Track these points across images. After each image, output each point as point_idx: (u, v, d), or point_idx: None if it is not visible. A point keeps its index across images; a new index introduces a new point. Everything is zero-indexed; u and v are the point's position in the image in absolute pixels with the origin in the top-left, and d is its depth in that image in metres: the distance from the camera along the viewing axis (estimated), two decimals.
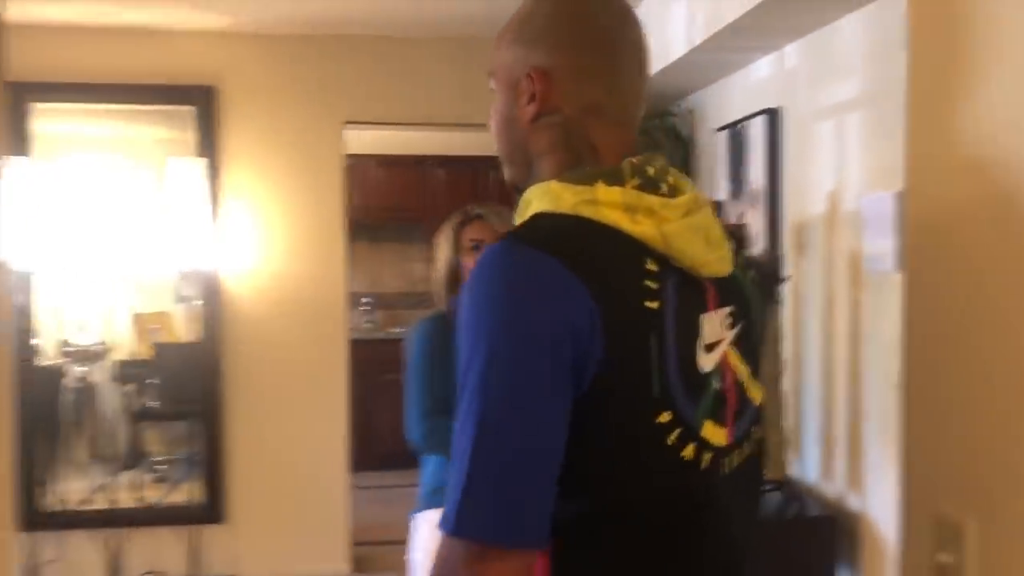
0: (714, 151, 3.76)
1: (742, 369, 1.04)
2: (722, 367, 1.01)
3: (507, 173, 1.15)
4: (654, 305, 0.94)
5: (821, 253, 2.87)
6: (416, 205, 6.74)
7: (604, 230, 0.96)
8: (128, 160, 4.13)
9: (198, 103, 4.19)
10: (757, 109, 3.28)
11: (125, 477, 4.24)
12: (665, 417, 0.94)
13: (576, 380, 0.90)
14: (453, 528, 0.88)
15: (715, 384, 0.99)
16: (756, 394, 1.06)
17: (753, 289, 1.11)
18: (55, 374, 4.36)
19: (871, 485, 2.59)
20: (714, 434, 0.98)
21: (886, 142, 2.52)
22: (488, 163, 6.08)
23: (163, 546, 4.30)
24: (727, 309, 1.03)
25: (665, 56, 3.49)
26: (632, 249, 0.96)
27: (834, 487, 2.79)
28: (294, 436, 4.36)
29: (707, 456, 0.97)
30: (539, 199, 1.01)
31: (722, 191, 3.64)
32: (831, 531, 2.58)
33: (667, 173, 1.03)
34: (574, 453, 0.91)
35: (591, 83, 1.05)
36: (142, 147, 4.25)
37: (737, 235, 2.95)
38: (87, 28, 4.09)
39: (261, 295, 4.40)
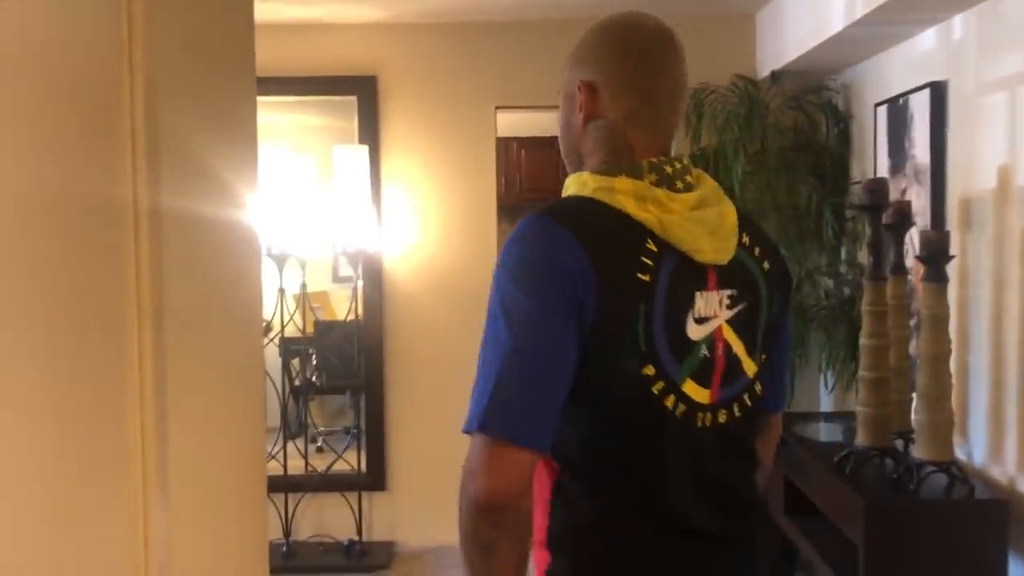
0: (872, 126, 3.67)
1: (737, 343, 1.25)
2: (714, 338, 1.23)
3: (568, 169, 1.36)
4: (646, 278, 1.18)
5: (991, 230, 2.79)
6: (556, 187, 6.82)
7: (613, 212, 1.20)
8: (296, 148, 4.39)
9: (360, 93, 4.41)
10: (921, 83, 3.19)
11: (290, 447, 4.51)
12: (650, 370, 1.19)
13: (579, 320, 1.15)
14: (480, 426, 1.11)
15: (703, 351, 1.22)
16: (749, 367, 1.28)
17: (770, 281, 1.30)
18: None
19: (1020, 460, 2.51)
20: (695, 391, 1.22)
21: None
22: None
23: (328, 512, 4.59)
24: (728, 291, 1.25)
25: (822, 30, 3.44)
26: (635, 231, 1.19)
27: (1003, 470, 2.72)
28: (450, 410, 4.50)
29: (682, 408, 1.21)
30: (572, 185, 1.27)
31: (882, 167, 3.56)
32: (1003, 515, 2.52)
33: (687, 173, 1.26)
34: (578, 386, 1.16)
35: (628, 94, 1.27)
36: (309, 136, 4.52)
37: (900, 211, 2.91)
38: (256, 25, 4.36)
39: (418, 275, 4.59)
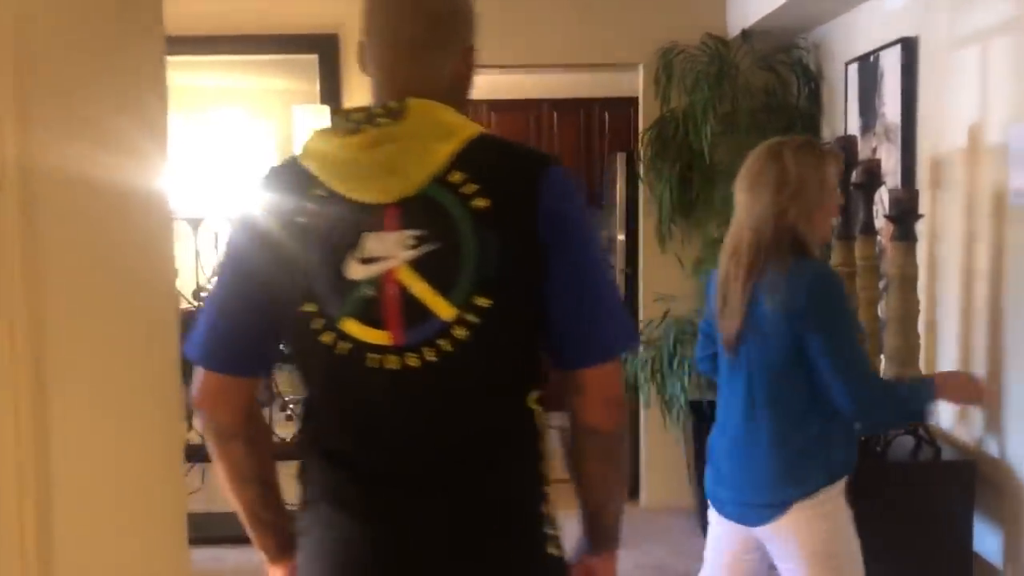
0: (843, 85, 3.61)
1: (419, 285, 1.20)
2: (383, 279, 1.20)
3: None
4: (305, 219, 1.22)
5: (961, 188, 2.74)
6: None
7: (295, 166, 1.26)
8: (253, 111, 4.26)
9: (321, 51, 4.28)
10: (891, 39, 3.12)
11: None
12: (310, 307, 1.22)
13: (256, 262, 1.26)
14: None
15: (366, 291, 1.20)
16: (443, 310, 1.19)
17: (485, 220, 1.20)
18: (191, 317, 4.59)
19: (1012, 429, 2.49)
20: (361, 331, 1.20)
21: None
22: (601, 104, 5.99)
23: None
24: (412, 232, 1.20)
25: None
26: (303, 180, 1.24)
27: (970, 432, 2.70)
28: None
29: (345, 346, 1.21)
30: None
31: (853, 126, 3.50)
32: (969, 476, 2.50)
33: (394, 114, 1.22)
34: (279, 327, 1.28)
35: (369, 40, 1.30)
36: (267, 98, 4.38)
37: (869, 170, 2.85)
38: None
39: None
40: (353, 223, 1.21)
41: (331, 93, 4.27)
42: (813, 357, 1.94)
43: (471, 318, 1.19)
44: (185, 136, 3.82)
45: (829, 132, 3.88)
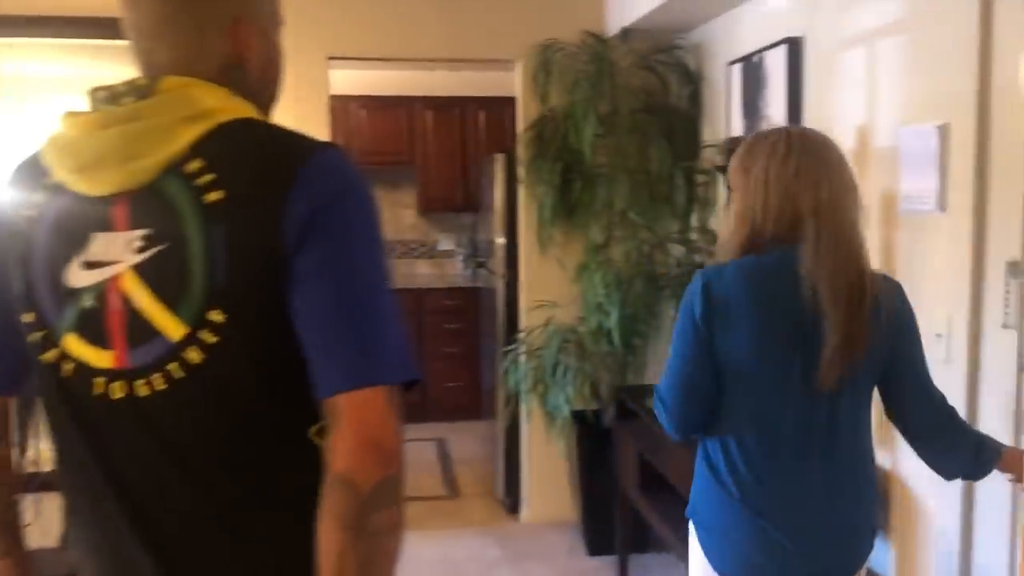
0: (726, 86, 3.53)
1: (144, 297, 1.00)
2: (107, 288, 1.02)
3: None
4: (31, 213, 1.06)
5: None
6: (404, 148, 6.47)
7: (37, 154, 1.11)
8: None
9: None
10: (776, 39, 3.04)
11: None
12: (29, 317, 1.06)
13: None
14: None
15: (88, 302, 1.02)
16: (171, 328, 0.99)
17: (222, 217, 0.99)
18: None
19: (902, 443, 2.42)
20: (84, 350, 1.03)
21: (923, 73, 2.31)
22: (478, 103, 5.79)
23: None
24: (140, 232, 1.01)
25: None
26: (37, 168, 1.08)
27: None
28: None
29: (69, 367, 1.04)
30: None
31: (736, 128, 3.42)
32: None
33: (120, 94, 1.04)
34: None
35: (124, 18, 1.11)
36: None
37: None
38: None
39: None
40: (80, 219, 1.04)
41: None
42: (901, 375, 1.77)
43: (206, 337, 0.98)
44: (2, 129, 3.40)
45: (710, 134, 3.80)
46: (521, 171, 4.14)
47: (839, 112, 2.73)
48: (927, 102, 2.29)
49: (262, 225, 0.97)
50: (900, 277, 2.39)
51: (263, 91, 1.13)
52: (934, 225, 2.27)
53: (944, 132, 2.21)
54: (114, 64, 3.93)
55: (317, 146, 1.04)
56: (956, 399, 2.14)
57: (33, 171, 1.09)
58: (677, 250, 3.95)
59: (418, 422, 6.17)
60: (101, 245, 1.02)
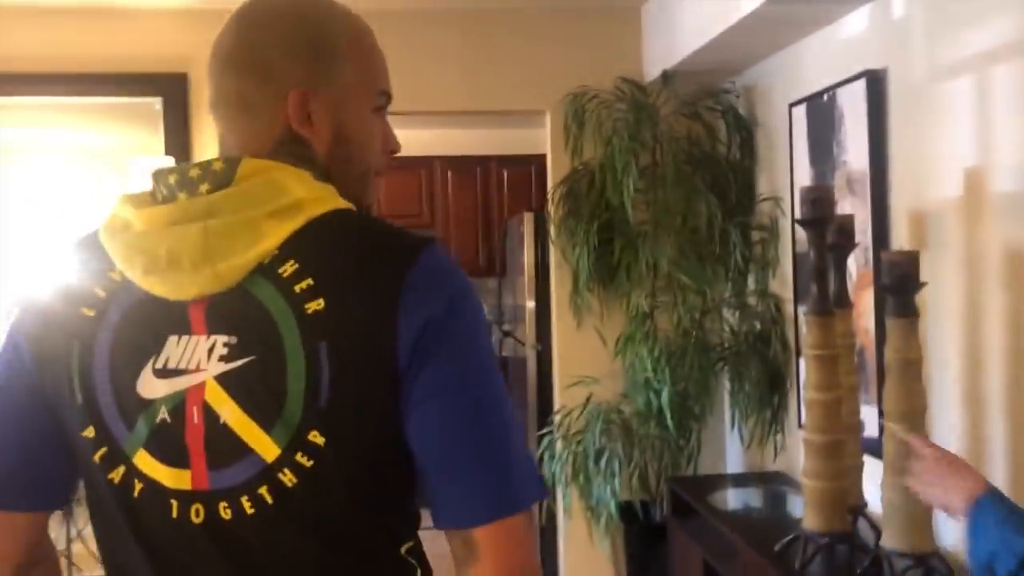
0: (787, 131, 3.11)
1: (231, 410, 0.91)
2: (186, 399, 0.92)
3: None
4: (91, 313, 0.96)
5: (957, 250, 2.22)
6: (422, 210, 6.09)
7: (94, 241, 0.99)
8: (81, 164, 3.48)
9: (166, 93, 3.55)
10: (851, 73, 2.62)
11: None
12: (90, 432, 0.95)
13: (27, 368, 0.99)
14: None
15: (162, 415, 0.93)
16: (264, 448, 0.90)
17: (320, 329, 0.90)
18: None
19: None
20: (155, 469, 0.93)
21: None
22: (499, 162, 5.41)
23: None
24: (224, 338, 0.92)
25: (722, 17, 2.85)
26: (99, 260, 0.97)
27: None
28: None
29: (140, 487, 0.94)
30: None
31: (802, 178, 2.99)
32: None
33: (195, 179, 0.94)
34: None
35: (210, 90, 1.04)
36: (99, 148, 3.61)
37: (842, 228, 2.31)
38: (30, 10, 3.45)
39: None
40: (153, 322, 0.94)
41: (178, 144, 3.54)
42: None
43: (302, 460, 0.90)
44: None
45: (767, 185, 3.37)
46: (553, 231, 3.72)
47: (938, 153, 2.29)
48: None
49: (370, 340, 0.89)
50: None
51: (338, 171, 1.01)
52: None
53: None
54: (107, 124, 3.55)
55: (422, 244, 0.94)
56: None
57: (95, 259, 0.97)
58: (730, 318, 3.50)
59: None
60: (178, 350, 0.93)
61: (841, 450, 2.23)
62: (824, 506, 2.20)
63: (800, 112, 2.99)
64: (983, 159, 2.13)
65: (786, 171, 3.14)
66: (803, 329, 3.05)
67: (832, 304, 2.24)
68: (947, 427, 2.22)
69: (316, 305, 0.89)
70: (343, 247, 0.93)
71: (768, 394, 3.26)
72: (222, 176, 0.93)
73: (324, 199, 0.94)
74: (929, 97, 2.33)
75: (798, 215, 2.32)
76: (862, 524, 2.32)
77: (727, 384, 3.49)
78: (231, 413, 0.90)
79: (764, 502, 3.03)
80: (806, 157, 2.96)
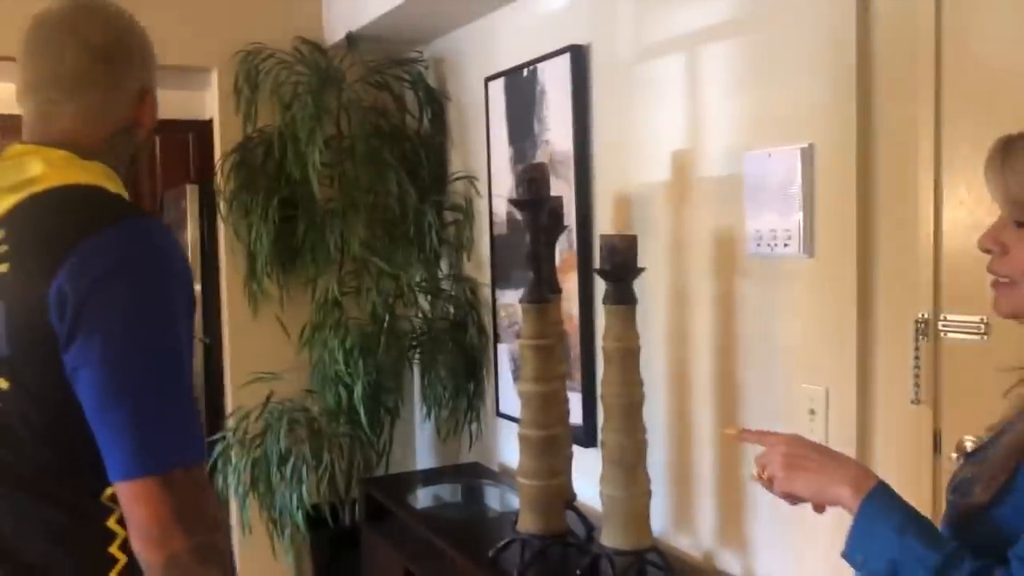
0: (481, 106, 2.95)
1: None
2: None
3: None
4: None
5: (664, 236, 2.18)
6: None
7: None
8: None
9: None
10: (554, 48, 2.51)
11: None
12: None
13: None
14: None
15: None
16: None
17: (8, 290, 1.06)
18: None
19: (759, 547, 1.95)
20: None
21: (773, 85, 1.86)
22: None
23: None
24: None
25: None
26: None
27: (696, 542, 2.13)
28: None
29: None
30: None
31: (500, 157, 2.85)
32: None
33: (18, 154, 1.14)
34: None
35: (19, 81, 1.20)
36: None
37: (554, 212, 2.19)
38: None
39: None
40: None
41: None
42: None
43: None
44: None
45: (461, 163, 3.21)
46: (223, 206, 3.27)
47: (645, 134, 2.24)
48: (779, 119, 1.84)
49: (31, 302, 1.02)
50: (752, 339, 1.92)
51: (141, 152, 1.23)
52: (797, 273, 1.81)
53: (808, 156, 1.77)
54: None
55: (112, 218, 1.06)
56: None
57: None
58: (425, 302, 3.30)
59: None
60: None
61: (557, 444, 2.11)
62: (542, 506, 2.07)
63: (497, 87, 2.84)
64: (691, 142, 2.09)
65: (482, 149, 2.99)
66: (501, 314, 2.93)
67: (548, 292, 2.11)
68: (657, 414, 2.18)
69: (3, 268, 1.05)
70: (44, 216, 1.06)
71: (464, 382, 3.11)
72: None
73: (67, 175, 1.09)
74: (636, 76, 2.27)
75: (511, 195, 2.15)
76: (571, 518, 2.22)
77: (417, 374, 3.30)
78: None
79: (465, 497, 2.87)
80: (504, 134, 2.83)
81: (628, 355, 1.93)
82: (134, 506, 1.01)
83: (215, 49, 3.29)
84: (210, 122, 4.42)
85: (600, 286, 2.37)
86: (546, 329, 2.06)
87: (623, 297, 1.92)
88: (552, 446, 2.08)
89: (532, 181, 2.04)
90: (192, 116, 5.42)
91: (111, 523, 1.08)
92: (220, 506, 1.10)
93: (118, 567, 1.08)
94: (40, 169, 1.09)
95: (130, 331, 1.02)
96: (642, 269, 1.95)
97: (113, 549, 1.08)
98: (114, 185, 1.14)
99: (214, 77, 3.36)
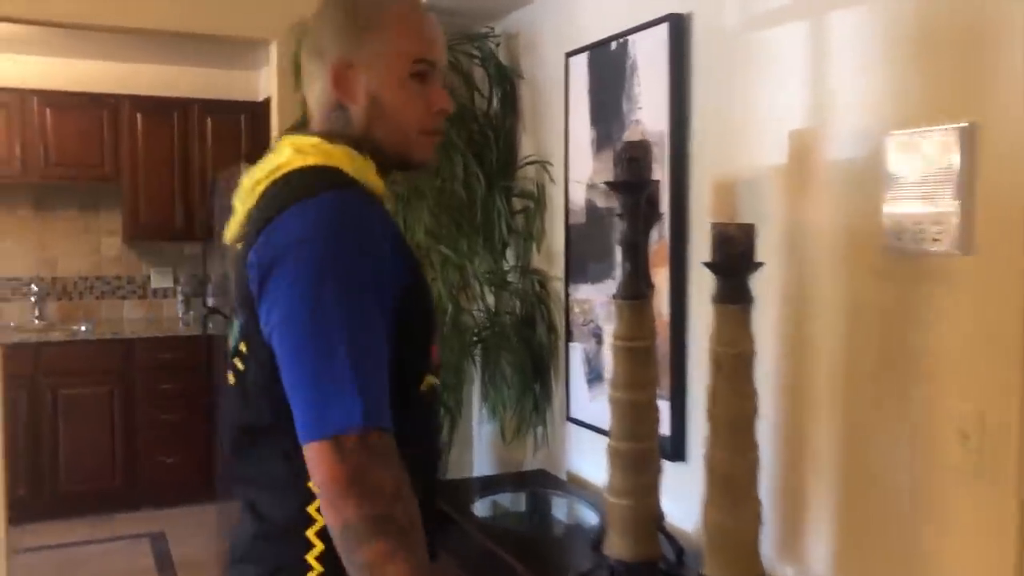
0: (559, 84, 2.72)
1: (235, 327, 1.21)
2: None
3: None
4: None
5: (777, 227, 1.93)
6: (106, 160, 5.10)
7: None
8: None
9: None
10: (648, 19, 2.27)
11: None
12: None
13: None
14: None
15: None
16: (238, 362, 1.20)
17: (238, 266, 1.17)
18: None
19: None
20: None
21: (912, 57, 1.61)
22: (203, 107, 4.58)
23: None
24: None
25: None
26: None
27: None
28: None
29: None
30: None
31: (580, 139, 2.62)
32: None
33: (280, 144, 1.22)
34: None
35: None
36: None
37: (649, 198, 1.96)
38: None
39: None
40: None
41: None
42: None
43: (237, 362, 1.20)
44: None
45: (532, 147, 2.98)
46: None
47: (755, 114, 1.99)
48: (931, 95, 1.58)
49: (241, 272, 1.15)
50: (888, 348, 1.67)
51: (378, 133, 1.20)
52: (950, 272, 1.56)
53: (968, 136, 1.51)
54: None
55: (314, 191, 1.11)
56: (995, 530, 1.43)
57: None
58: (490, 295, 3.08)
59: (126, 511, 4.84)
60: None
61: (650, 459, 1.88)
62: (633, 528, 1.84)
63: (580, 63, 2.61)
64: (815, 121, 1.84)
65: (557, 131, 2.76)
66: (575, 310, 2.70)
67: (645, 286, 1.87)
68: (763, 430, 1.93)
69: (239, 245, 1.21)
70: (265, 197, 1.18)
71: (531, 382, 2.89)
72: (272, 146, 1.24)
73: (302, 160, 1.16)
74: (746, 47, 2.02)
75: (592, 179, 1.92)
76: (662, 543, 1.99)
77: (479, 372, 3.08)
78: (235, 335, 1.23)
79: (530, 508, 2.65)
80: (586, 115, 2.59)
81: (741, 362, 1.69)
82: (312, 469, 1.05)
83: (272, 21, 3.09)
84: (262, 103, 4.23)
85: (696, 282, 2.13)
86: (643, 329, 1.83)
87: (738, 295, 1.68)
88: (645, 461, 1.85)
89: (633, 160, 1.81)
90: (245, 97, 5.27)
91: (311, 484, 1.09)
92: (405, 478, 1.05)
93: (315, 527, 1.13)
94: (286, 155, 1.17)
95: (300, 298, 1.06)
96: (760, 264, 1.70)
97: (311, 510, 1.14)
98: (353, 165, 1.15)
99: (273, 51, 3.17)
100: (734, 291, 1.68)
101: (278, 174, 1.16)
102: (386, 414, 1.05)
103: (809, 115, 1.85)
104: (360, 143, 1.19)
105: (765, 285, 1.90)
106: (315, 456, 1.04)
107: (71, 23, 3.03)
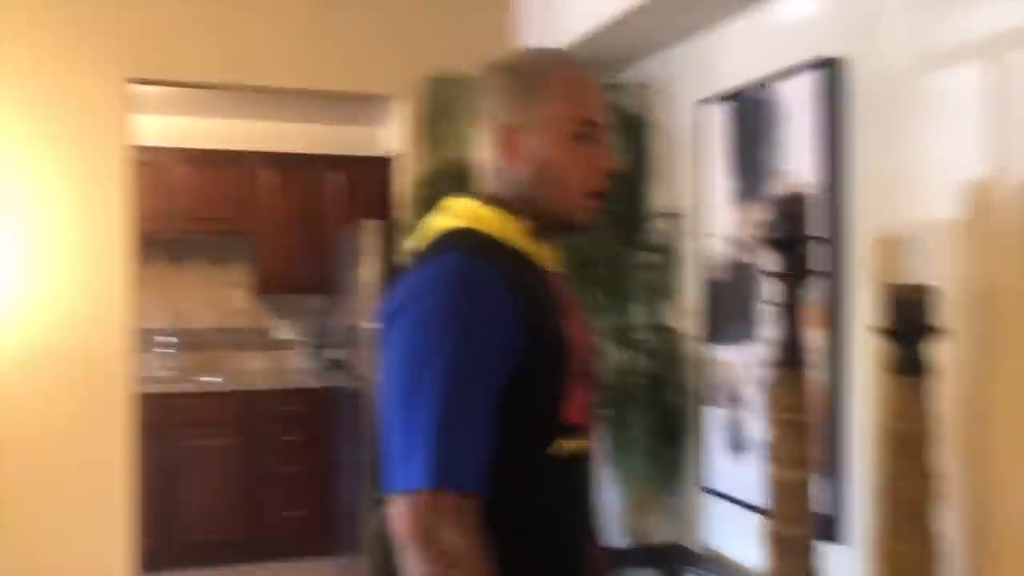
0: (691, 135, 2.59)
1: None
2: None
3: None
4: None
5: (952, 288, 1.74)
6: (238, 215, 5.23)
7: None
8: None
9: None
10: (795, 63, 2.13)
11: None
12: None
13: None
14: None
15: None
16: None
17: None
18: None
19: None
20: None
21: None
22: (330, 163, 4.65)
23: None
24: None
25: (603, 9, 2.34)
26: None
27: None
28: (58, 527, 2.94)
29: None
30: None
31: (715, 192, 2.47)
32: None
33: (443, 204, 1.25)
34: None
35: None
36: None
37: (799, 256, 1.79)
38: None
39: (10, 335, 2.90)
40: None
41: None
42: None
43: None
44: None
45: (663, 198, 2.85)
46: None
47: (925, 164, 1.81)
48: None
49: (389, 339, 1.15)
50: None
51: (541, 194, 1.20)
52: None
53: None
54: None
55: (436, 253, 1.16)
56: None
57: None
58: (618, 353, 2.94)
59: (248, 563, 4.85)
60: None
61: (808, 543, 1.69)
62: None
63: (715, 112, 2.48)
64: (995, 169, 1.66)
65: (690, 182, 2.63)
66: (714, 372, 2.53)
67: (803, 353, 1.71)
68: (950, 513, 1.72)
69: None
70: (429, 251, 1.19)
71: (662, 448, 2.72)
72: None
73: (455, 222, 1.19)
74: (913, 92, 1.85)
75: (758, 233, 1.77)
76: None
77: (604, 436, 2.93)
78: None
79: None
80: (723, 165, 2.45)
81: (918, 440, 1.50)
82: (390, 517, 1.07)
83: (399, 76, 3.10)
84: (383, 158, 4.25)
85: (857, 347, 1.95)
86: (801, 400, 1.66)
87: (915, 366, 1.49)
88: (807, 545, 1.66)
89: (789, 216, 1.66)
90: (367, 152, 5.34)
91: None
92: (478, 543, 1.03)
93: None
94: (440, 219, 1.21)
95: (400, 356, 1.10)
96: (942, 330, 1.52)
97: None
98: (498, 227, 1.18)
99: (395, 106, 3.17)
100: (911, 361, 1.50)
101: (438, 232, 1.19)
102: (471, 478, 1.06)
103: (989, 164, 1.67)
104: (522, 206, 1.19)
105: (940, 353, 1.70)
106: (393, 506, 1.07)
107: (215, 82, 3.12)
